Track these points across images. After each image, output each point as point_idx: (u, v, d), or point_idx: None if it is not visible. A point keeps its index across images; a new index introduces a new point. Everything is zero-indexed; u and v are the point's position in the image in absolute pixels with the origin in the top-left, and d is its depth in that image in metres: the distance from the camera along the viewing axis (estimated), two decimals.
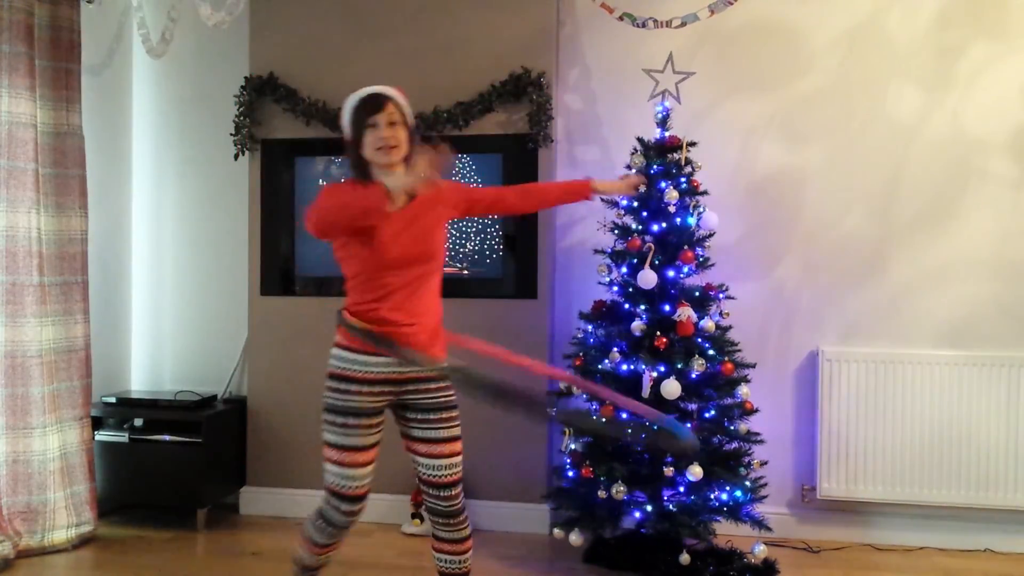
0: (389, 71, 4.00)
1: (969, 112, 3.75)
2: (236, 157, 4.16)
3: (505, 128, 3.96)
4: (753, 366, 3.48)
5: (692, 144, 3.51)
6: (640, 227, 3.46)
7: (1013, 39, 3.73)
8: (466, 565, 2.58)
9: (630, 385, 3.33)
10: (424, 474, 2.53)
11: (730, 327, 3.47)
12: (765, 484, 3.44)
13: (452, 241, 4.00)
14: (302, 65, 4.12)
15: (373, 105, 2.48)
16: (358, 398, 2.48)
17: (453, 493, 2.53)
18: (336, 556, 2.55)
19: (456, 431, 2.54)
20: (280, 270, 4.19)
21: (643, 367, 3.29)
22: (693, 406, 3.34)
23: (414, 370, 2.48)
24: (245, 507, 4.22)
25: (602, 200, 3.64)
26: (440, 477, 2.51)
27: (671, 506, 3.28)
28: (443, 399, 2.53)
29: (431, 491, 2.53)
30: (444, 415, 2.52)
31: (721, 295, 3.46)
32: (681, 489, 3.29)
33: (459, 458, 2.54)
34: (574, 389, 3.46)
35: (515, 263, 3.97)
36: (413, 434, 2.54)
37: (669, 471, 3.22)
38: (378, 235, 2.41)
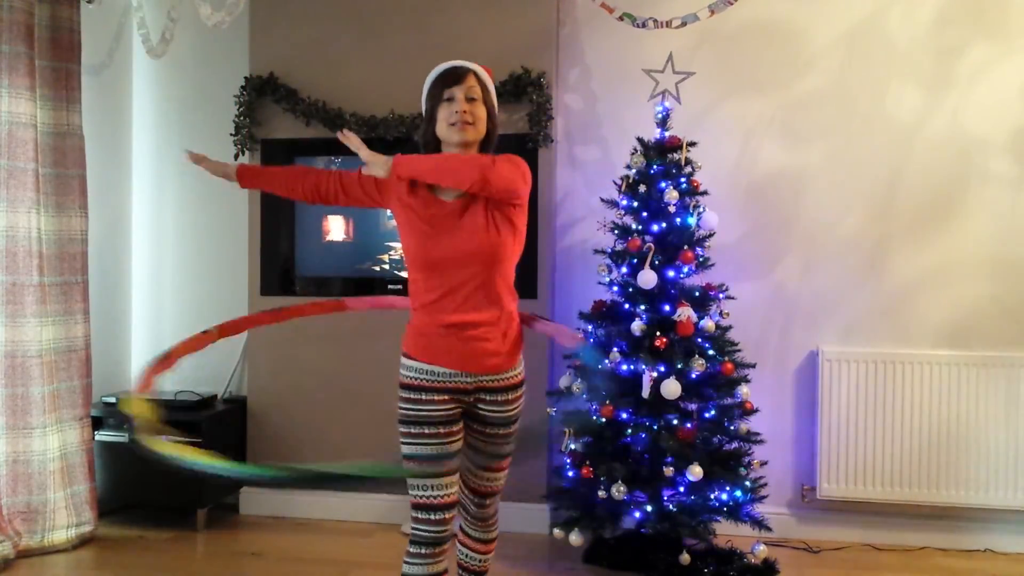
0: (389, 71, 4.01)
1: (969, 112, 3.75)
2: (236, 157, 4.15)
3: (505, 128, 3.90)
4: (753, 366, 3.48)
5: (692, 144, 3.51)
6: (640, 227, 3.46)
7: (1013, 39, 3.73)
8: (486, 564, 2.57)
9: (630, 385, 3.34)
10: (473, 482, 2.46)
11: (730, 327, 3.47)
12: (765, 484, 3.44)
13: None
14: (302, 65, 4.12)
15: (452, 76, 2.29)
16: (430, 407, 2.29)
17: (494, 500, 2.50)
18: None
19: (512, 446, 2.43)
20: (280, 270, 4.19)
21: (643, 367, 3.29)
22: (693, 406, 3.34)
23: (493, 378, 2.32)
24: (245, 507, 4.22)
25: (602, 200, 3.64)
26: (488, 487, 2.46)
27: (671, 506, 3.28)
28: (512, 413, 2.39)
29: (473, 497, 2.47)
30: (509, 429, 2.40)
31: (721, 295, 3.46)
32: (681, 489, 3.29)
33: (507, 471, 2.48)
34: (574, 389, 3.46)
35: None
36: (474, 444, 2.41)
37: (669, 471, 3.22)
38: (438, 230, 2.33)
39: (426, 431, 2.28)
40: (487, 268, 2.28)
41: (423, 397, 2.29)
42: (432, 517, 2.28)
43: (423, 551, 2.28)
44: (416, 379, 2.30)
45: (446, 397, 2.30)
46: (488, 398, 2.35)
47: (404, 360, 2.33)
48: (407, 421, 2.30)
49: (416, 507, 2.29)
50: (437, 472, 2.29)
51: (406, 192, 2.34)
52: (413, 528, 2.30)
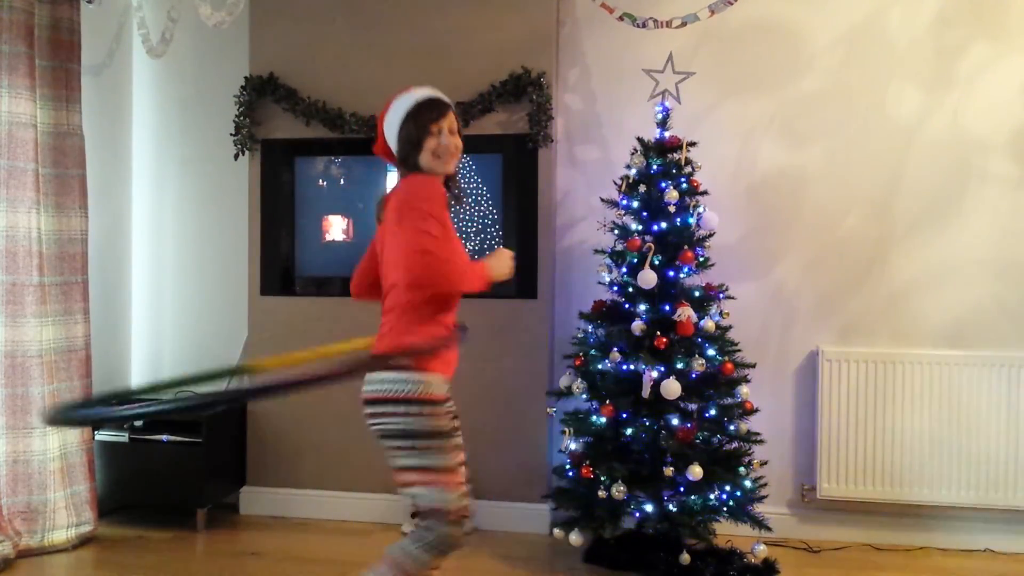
0: (389, 71, 4.01)
1: (969, 112, 3.75)
2: (236, 157, 4.16)
3: (505, 128, 3.96)
4: (753, 366, 3.48)
5: (692, 144, 3.52)
6: (640, 227, 3.46)
7: (1013, 39, 3.73)
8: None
9: (630, 385, 3.34)
10: None
11: (730, 327, 3.47)
12: (765, 484, 3.44)
13: None
14: (302, 65, 4.12)
15: (439, 112, 2.43)
16: (447, 419, 2.38)
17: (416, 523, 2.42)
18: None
19: (401, 461, 2.36)
20: (280, 270, 4.19)
21: (643, 367, 3.29)
22: (693, 406, 3.34)
23: None
24: (245, 507, 4.22)
25: (602, 200, 3.64)
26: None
27: (671, 506, 3.28)
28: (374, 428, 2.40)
29: None
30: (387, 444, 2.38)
31: (721, 295, 3.46)
32: (681, 489, 3.29)
33: (411, 489, 2.36)
34: (575, 389, 3.46)
35: (515, 263, 3.96)
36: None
37: (669, 471, 3.22)
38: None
39: (452, 442, 2.38)
40: None
41: (442, 409, 2.37)
42: (465, 526, 2.38)
43: (444, 551, 2.38)
44: (446, 393, 2.40)
45: None
46: None
47: (430, 376, 2.34)
48: (444, 433, 2.35)
49: (452, 516, 2.33)
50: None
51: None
52: (435, 540, 2.34)
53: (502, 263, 2.48)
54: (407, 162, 2.45)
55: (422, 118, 2.41)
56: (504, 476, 3.92)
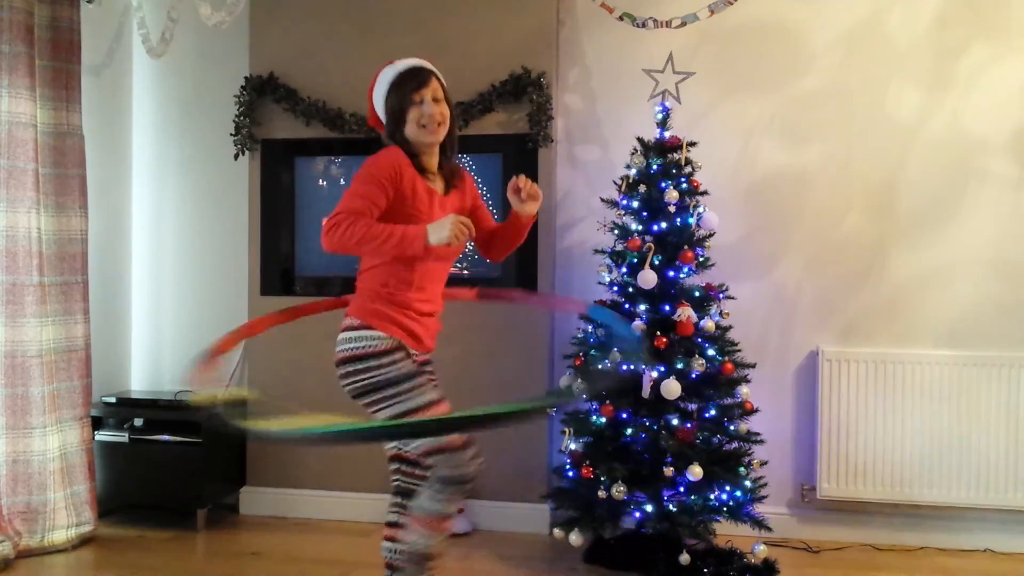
0: None
1: (969, 112, 3.75)
2: (236, 157, 4.16)
3: (505, 128, 3.96)
4: (753, 366, 3.48)
5: (692, 144, 3.52)
6: (640, 227, 3.46)
7: (1013, 39, 3.73)
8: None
9: (630, 385, 3.33)
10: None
11: (730, 327, 3.47)
12: (765, 484, 3.44)
13: None
14: (302, 65, 4.12)
15: (419, 80, 2.40)
16: (406, 362, 2.39)
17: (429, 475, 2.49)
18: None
19: (382, 416, 2.43)
20: (280, 270, 4.19)
21: (643, 367, 3.29)
22: (693, 406, 3.34)
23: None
24: (245, 507, 4.22)
25: (602, 200, 3.65)
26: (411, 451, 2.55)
27: (671, 506, 3.28)
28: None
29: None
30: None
31: (721, 295, 3.46)
32: (681, 489, 3.29)
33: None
34: (574, 390, 3.46)
35: (515, 263, 3.97)
36: None
37: (669, 471, 3.22)
38: (427, 221, 2.34)
39: (416, 383, 2.44)
40: None
41: (397, 356, 2.45)
42: (468, 453, 2.39)
43: (462, 487, 2.39)
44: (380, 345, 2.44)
45: None
46: None
47: (374, 332, 2.44)
48: (409, 376, 2.41)
49: (450, 448, 2.34)
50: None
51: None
52: (447, 476, 2.35)
53: (442, 227, 2.28)
54: (394, 136, 2.44)
55: (404, 88, 2.40)
56: (504, 476, 3.92)
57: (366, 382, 2.39)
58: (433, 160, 2.50)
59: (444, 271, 2.56)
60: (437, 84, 2.43)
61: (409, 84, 2.41)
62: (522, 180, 2.49)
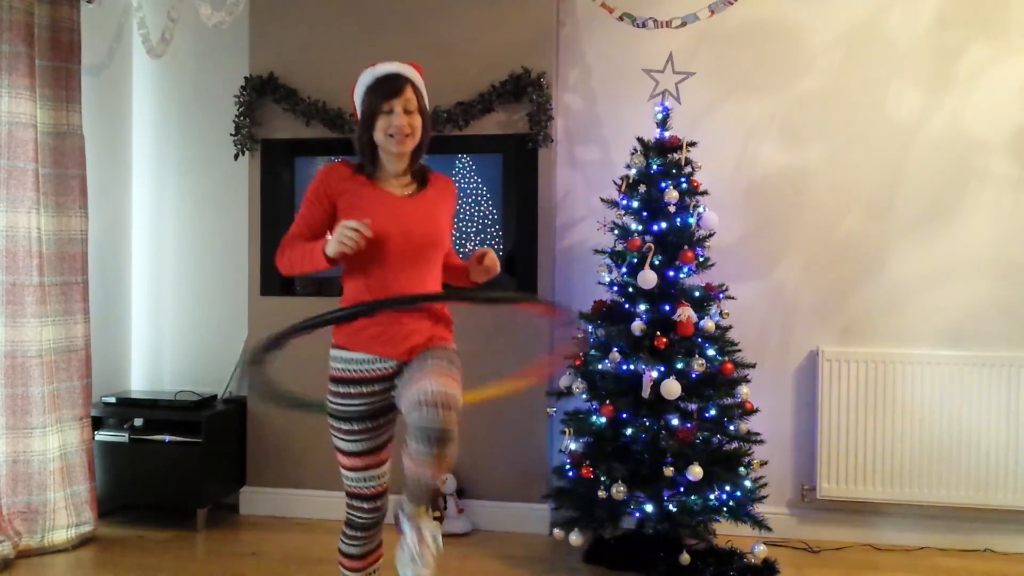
0: None
1: (969, 112, 3.75)
2: (236, 157, 4.16)
3: (505, 128, 3.96)
4: (753, 366, 3.48)
5: (692, 144, 3.52)
6: (640, 227, 3.46)
7: (1013, 39, 3.73)
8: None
9: (630, 385, 3.34)
10: None
11: (730, 327, 3.47)
12: (765, 484, 3.44)
13: (453, 241, 4.00)
14: (302, 65, 4.12)
15: (390, 89, 2.35)
16: (359, 401, 2.37)
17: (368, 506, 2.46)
18: (335, 555, 2.50)
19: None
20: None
21: (643, 367, 3.29)
22: (693, 406, 3.34)
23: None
24: (245, 507, 4.22)
25: (602, 200, 3.64)
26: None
27: (671, 506, 3.28)
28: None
29: None
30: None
31: (721, 295, 3.46)
32: (681, 489, 3.29)
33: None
34: (575, 389, 3.46)
35: (515, 263, 3.97)
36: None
37: (669, 471, 3.22)
38: (377, 227, 2.28)
39: (355, 427, 2.45)
40: None
41: (352, 391, 2.44)
42: (365, 506, 2.44)
43: (360, 533, 2.48)
44: (351, 371, 2.45)
45: None
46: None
47: (333, 351, 2.44)
48: (336, 416, 2.42)
49: (349, 495, 2.44)
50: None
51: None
52: (346, 518, 2.47)
53: (335, 235, 2.24)
54: (361, 138, 2.41)
55: (376, 94, 2.37)
56: (504, 476, 3.92)
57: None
58: (399, 165, 2.43)
59: (412, 283, 2.38)
60: (411, 94, 2.37)
61: (381, 91, 2.36)
62: (489, 257, 2.42)
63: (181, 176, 4.48)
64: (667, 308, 3.35)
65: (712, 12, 3.50)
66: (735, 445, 3.40)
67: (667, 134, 3.51)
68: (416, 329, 2.37)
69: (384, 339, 2.35)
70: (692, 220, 3.42)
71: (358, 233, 2.23)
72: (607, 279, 3.56)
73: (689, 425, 3.27)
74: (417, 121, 2.38)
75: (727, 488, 3.30)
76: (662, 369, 3.29)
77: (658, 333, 3.32)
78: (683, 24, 3.55)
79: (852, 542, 3.79)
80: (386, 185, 2.43)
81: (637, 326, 3.32)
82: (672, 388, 3.23)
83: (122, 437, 4.02)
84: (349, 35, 4.09)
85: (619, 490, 3.21)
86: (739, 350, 3.47)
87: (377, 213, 2.33)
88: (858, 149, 3.84)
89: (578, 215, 4.05)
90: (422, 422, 2.13)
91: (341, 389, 2.38)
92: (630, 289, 3.44)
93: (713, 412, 3.35)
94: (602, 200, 3.65)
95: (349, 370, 2.38)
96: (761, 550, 3.33)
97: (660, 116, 3.54)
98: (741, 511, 3.32)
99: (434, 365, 2.27)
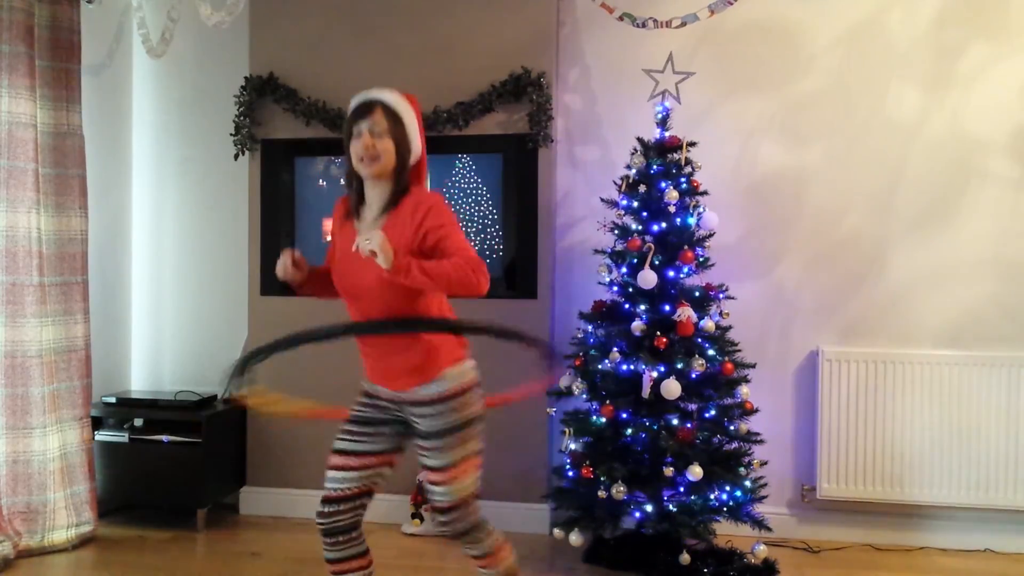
0: (389, 71, 4.01)
1: (969, 112, 3.75)
2: (236, 157, 4.16)
3: (505, 128, 3.96)
4: (753, 366, 3.48)
5: (692, 144, 3.51)
6: (640, 227, 3.46)
7: (1013, 39, 3.73)
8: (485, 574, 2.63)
9: (630, 385, 3.34)
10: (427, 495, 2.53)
11: (730, 327, 3.47)
12: (765, 484, 3.44)
13: None
14: (302, 65, 4.12)
15: (360, 111, 2.35)
16: (356, 405, 2.53)
17: (445, 519, 2.49)
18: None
19: (443, 459, 2.42)
20: None
21: (643, 367, 3.29)
22: (693, 406, 3.34)
23: (405, 396, 2.41)
24: (245, 507, 4.22)
25: (602, 200, 3.64)
26: (433, 502, 2.50)
27: (671, 506, 3.28)
28: (431, 427, 2.40)
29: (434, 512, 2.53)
30: (431, 443, 2.41)
31: (721, 295, 3.46)
32: (681, 489, 3.29)
33: (447, 487, 2.44)
34: (575, 389, 3.46)
35: (515, 263, 3.97)
36: (418, 456, 2.49)
37: (669, 471, 3.22)
38: (333, 270, 2.55)
39: (343, 425, 2.60)
40: None
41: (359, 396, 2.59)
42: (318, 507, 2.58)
43: (324, 539, 2.62)
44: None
45: None
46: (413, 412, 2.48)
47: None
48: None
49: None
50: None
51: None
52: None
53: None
54: (347, 170, 2.44)
55: (350, 119, 2.38)
56: (504, 476, 3.92)
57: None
58: (380, 193, 2.38)
59: (363, 310, 2.41)
60: (381, 116, 2.32)
61: (352, 115, 2.36)
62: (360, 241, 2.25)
63: (181, 176, 4.48)
64: (667, 308, 3.35)
65: (712, 12, 3.50)
66: (735, 445, 3.40)
67: (667, 134, 3.51)
68: (397, 364, 2.40)
69: (376, 372, 2.48)
70: (692, 220, 3.42)
71: (283, 263, 2.45)
72: (607, 279, 3.56)
73: (689, 425, 3.27)
74: (385, 144, 2.32)
75: (727, 488, 3.30)
76: (662, 369, 3.29)
77: (658, 333, 3.32)
78: (683, 24, 3.55)
79: (852, 542, 3.79)
80: (360, 223, 2.43)
81: (637, 326, 3.32)
82: (672, 388, 3.23)
83: (122, 437, 4.02)
84: (349, 35, 4.09)
85: (619, 490, 3.21)
86: (739, 350, 3.47)
87: (335, 257, 2.50)
88: (858, 149, 3.84)
89: (578, 215, 4.05)
90: (438, 527, 2.45)
91: (361, 396, 2.54)
92: (630, 289, 3.44)
93: (713, 412, 3.35)
94: (602, 200, 3.65)
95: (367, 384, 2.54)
96: (761, 550, 3.33)
97: (660, 116, 3.54)
98: (741, 511, 3.32)
99: (432, 458, 2.43)
